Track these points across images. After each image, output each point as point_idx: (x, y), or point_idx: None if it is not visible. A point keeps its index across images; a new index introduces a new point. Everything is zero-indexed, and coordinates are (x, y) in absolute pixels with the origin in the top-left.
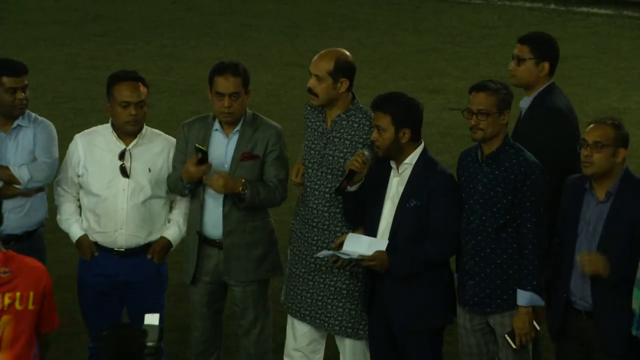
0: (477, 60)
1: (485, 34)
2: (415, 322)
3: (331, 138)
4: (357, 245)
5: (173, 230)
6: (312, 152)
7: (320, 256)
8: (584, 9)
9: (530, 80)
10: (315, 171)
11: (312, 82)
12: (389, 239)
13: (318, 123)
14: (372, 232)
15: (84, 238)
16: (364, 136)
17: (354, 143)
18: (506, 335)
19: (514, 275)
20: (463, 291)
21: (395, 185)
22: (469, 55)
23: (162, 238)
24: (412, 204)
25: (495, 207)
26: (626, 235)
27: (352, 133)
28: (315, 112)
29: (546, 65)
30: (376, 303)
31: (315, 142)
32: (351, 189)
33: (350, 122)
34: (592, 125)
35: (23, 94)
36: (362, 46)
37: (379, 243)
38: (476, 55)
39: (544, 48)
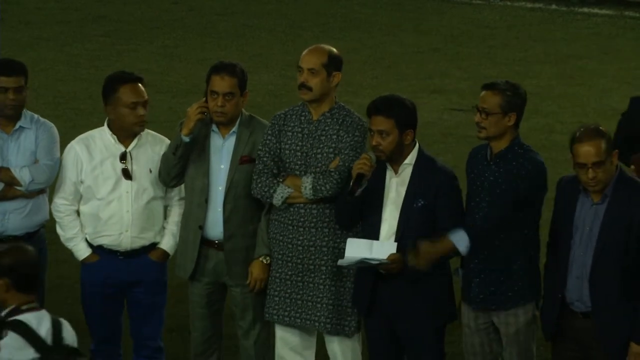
0: (478, 61)
1: (486, 34)
2: (420, 320)
3: (317, 137)
4: (363, 249)
5: (168, 239)
6: (298, 154)
7: (344, 264)
8: (586, 10)
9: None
10: (302, 173)
11: (305, 77)
12: (395, 241)
13: (302, 126)
14: (373, 236)
15: (90, 257)
16: (351, 134)
17: (340, 137)
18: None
19: (518, 272)
20: (469, 289)
21: (395, 187)
22: (470, 56)
23: (159, 249)
24: (419, 204)
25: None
26: (623, 236)
27: (337, 127)
28: (294, 117)
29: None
30: (377, 305)
31: (300, 144)
32: (357, 193)
33: (335, 120)
34: (580, 145)
35: (14, 95)
36: (363, 46)
37: (388, 245)
38: (477, 55)
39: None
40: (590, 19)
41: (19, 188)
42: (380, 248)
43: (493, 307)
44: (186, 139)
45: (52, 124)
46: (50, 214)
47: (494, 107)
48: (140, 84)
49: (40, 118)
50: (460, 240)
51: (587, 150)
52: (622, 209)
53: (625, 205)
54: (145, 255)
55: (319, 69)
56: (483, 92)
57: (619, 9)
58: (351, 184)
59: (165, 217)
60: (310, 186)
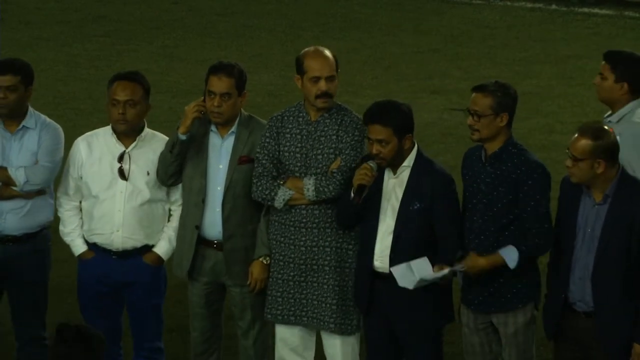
0: (478, 61)
1: (486, 35)
2: (418, 321)
3: (316, 138)
4: (409, 272)
5: (163, 244)
6: (298, 155)
7: (411, 287)
8: (585, 10)
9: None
10: (302, 174)
11: (327, 85)
12: (392, 243)
13: (300, 127)
14: (370, 236)
15: (86, 253)
16: (351, 133)
17: (340, 137)
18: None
19: (516, 273)
20: (467, 290)
21: (393, 188)
22: (470, 56)
23: (153, 252)
24: (415, 206)
25: (496, 207)
26: (624, 236)
27: (336, 128)
28: (291, 118)
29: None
30: (376, 304)
31: (300, 145)
32: (359, 202)
33: (334, 120)
34: (575, 135)
35: (4, 94)
36: (363, 47)
37: (423, 262)
38: (477, 55)
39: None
40: (590, 19)
41: (14, 188)
42: (420, 266)
43: (492, 308)
44: (183, 137)
45: (58, 126)
46: (56, 214)
47: (485, 109)
48: (133, 84)
49: (47, 119)
50: (509, 254)
51: (574, 141)
52: (623, 209)
53: (627, 205)
54: (139, 256)
55: (335, 74)
56: (473, 95)
57: (619, 9)
58: (352, 195)
59: (168, 220)
60: (313, 188)
